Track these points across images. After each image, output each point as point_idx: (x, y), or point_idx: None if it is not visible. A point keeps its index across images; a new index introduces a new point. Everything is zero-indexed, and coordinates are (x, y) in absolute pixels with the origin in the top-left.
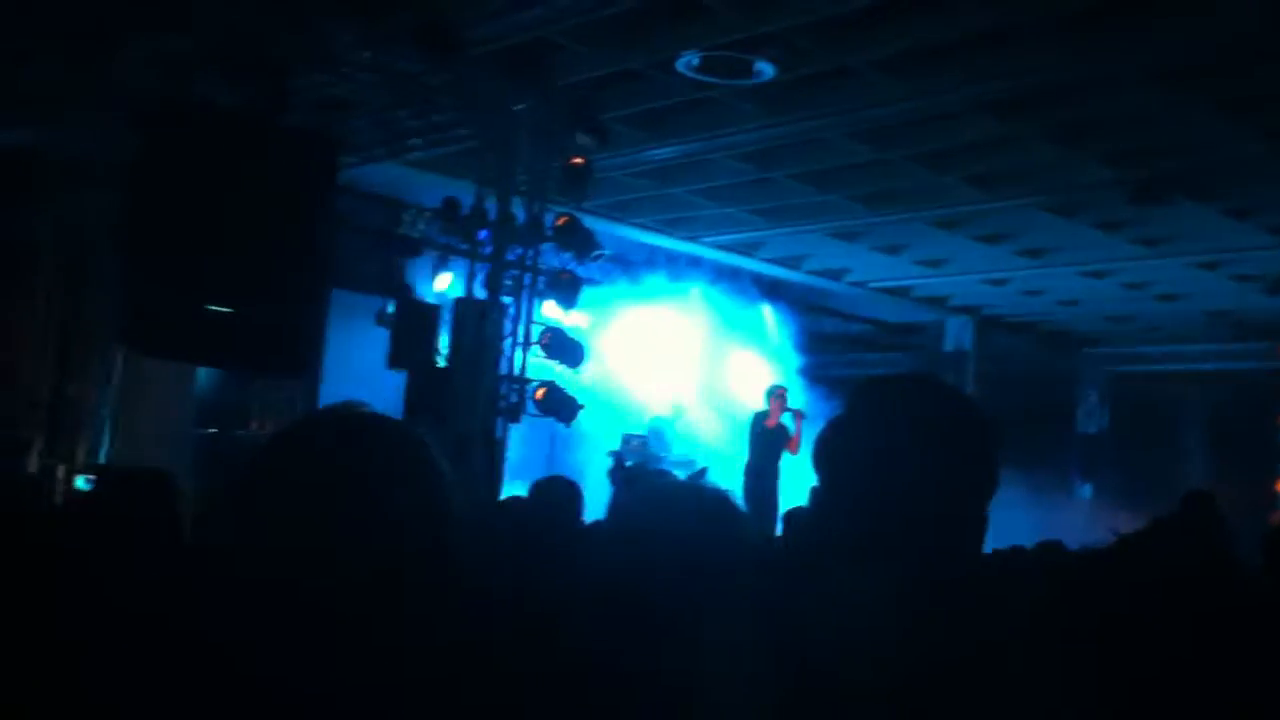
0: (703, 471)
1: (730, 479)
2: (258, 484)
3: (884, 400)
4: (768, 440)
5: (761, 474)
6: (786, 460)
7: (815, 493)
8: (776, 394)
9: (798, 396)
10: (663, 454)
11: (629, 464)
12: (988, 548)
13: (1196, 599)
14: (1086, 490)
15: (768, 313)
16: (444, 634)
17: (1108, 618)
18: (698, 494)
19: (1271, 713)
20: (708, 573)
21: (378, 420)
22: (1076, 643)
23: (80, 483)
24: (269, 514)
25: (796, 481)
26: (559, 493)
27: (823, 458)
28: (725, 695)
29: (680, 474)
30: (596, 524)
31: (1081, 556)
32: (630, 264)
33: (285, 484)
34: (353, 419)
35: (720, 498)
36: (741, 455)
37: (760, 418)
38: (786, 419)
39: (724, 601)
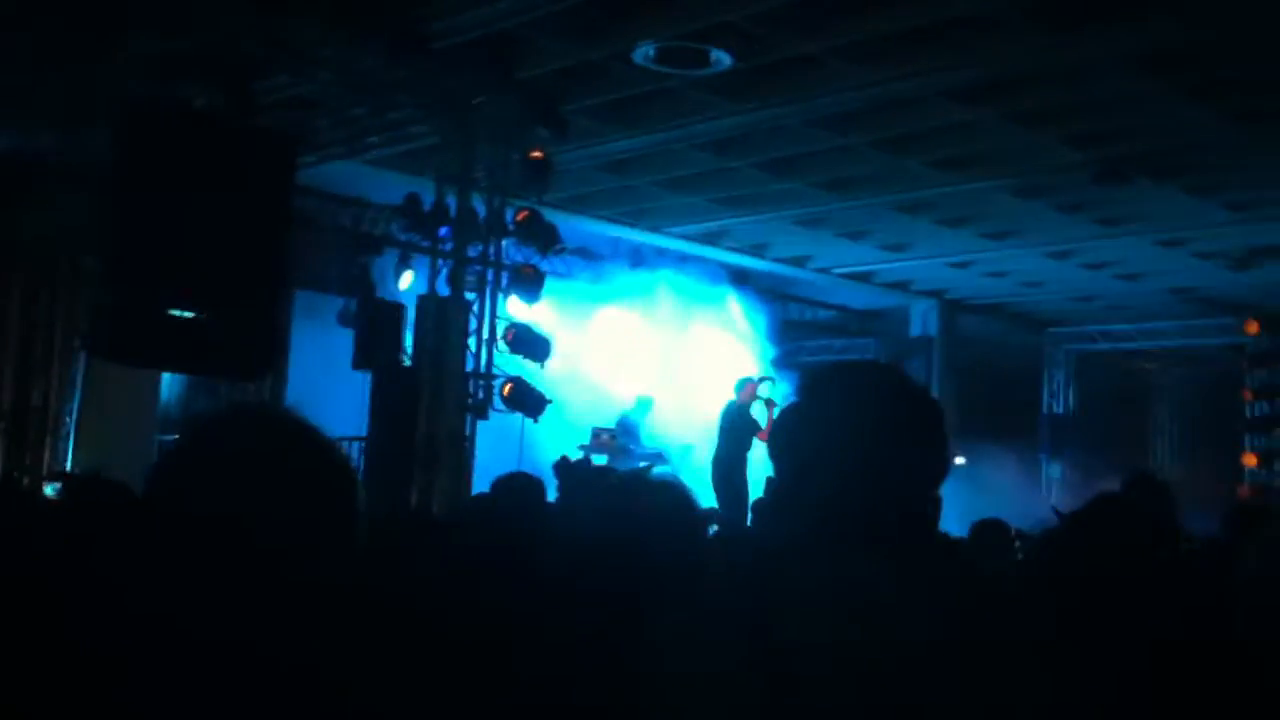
0: (657, 458)
1: (700, 469)
2: (163, 486)
3: (833, 389)
4: (738, 431)
5: (732, 465)
6: (758, 450)
7: (770, 483)
8: (747, 385)
9: (767, 386)
10: (632, 447)
11: (573, 460)
12: (954, 528)
13: (1133, 568)
14: (1055, 469)
15: (734, 301)
16: (348, 640)
17: (1062, 594)
18: (645, 486)
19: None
20: (658, 563)
21: (282, 419)
22: (1035, 622)
23: (49, 490)
24: (175, 513)
25: (767, 472)
26: (520, 490)
27: (778, 447)
28: (683, 688)
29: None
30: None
31: (1030, 535)
32: (594, 256)
33: (187, 487)
34: (258, 418)
35: (668, 488)
36: (711, 445)
37: (731, 409)
38: (758, 409)
39: (677, 591)
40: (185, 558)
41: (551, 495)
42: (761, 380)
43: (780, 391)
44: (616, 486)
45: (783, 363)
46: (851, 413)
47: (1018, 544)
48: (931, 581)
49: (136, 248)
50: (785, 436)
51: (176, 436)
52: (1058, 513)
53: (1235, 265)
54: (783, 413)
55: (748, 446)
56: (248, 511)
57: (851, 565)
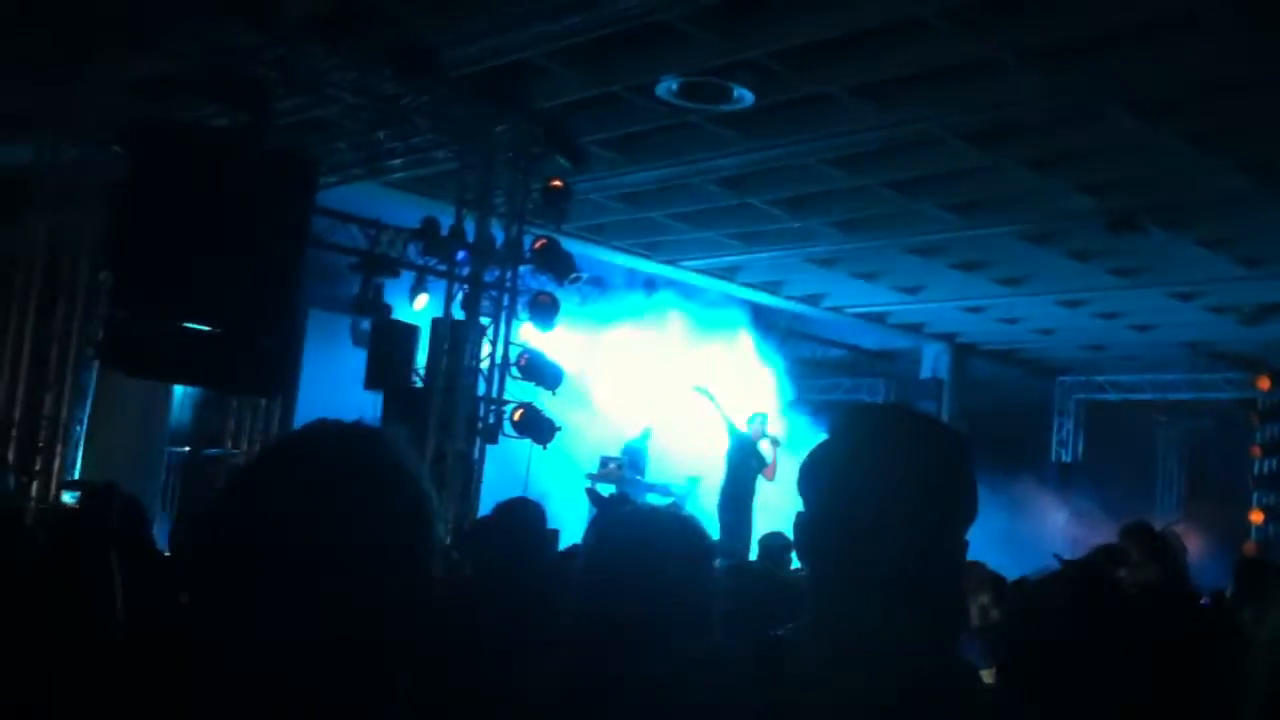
0: (664, 493)
1: (708, 501)
2: (244, 496)
3: (869, 429)
4: (746, 465)
5: (738, 500)
6: (761, 486)
7: (800, 518)
8: (758, 420)
9: (776, 421)
10: (637, 477)
11: (604, 492)
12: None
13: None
14: (1061, 517)
15: (746, 337)
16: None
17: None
18: (672, 525)
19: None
20: (681, 602)
21: (370, 434)
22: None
23: (67, 498)
24: (253, 527)
25: (769, 507)
26: (521, 514)
27: (808, 486)
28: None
29: (654, 499)
30: (572, 549)
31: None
32: (608, 286)
33: (272, 498)
34: (345, 433)
35: (693, 529)
36: (715, 477)
37: (740, 443)
38: (766, 447)
39: (697, 626)
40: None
41: (551, 522)
42: (764, 415)
43: (778, 427)
44: (637, 530)
45: (790, 400)
46: (884, 455)
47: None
48: (956, 628)
49: (153, 261)
50: (814, 475)
51: (254, 455)
52: (1059, 559)
53: (1247, 320)
54: (813, 451)
55: (754, 481)
56: (326, 535)
57: (871, 609)
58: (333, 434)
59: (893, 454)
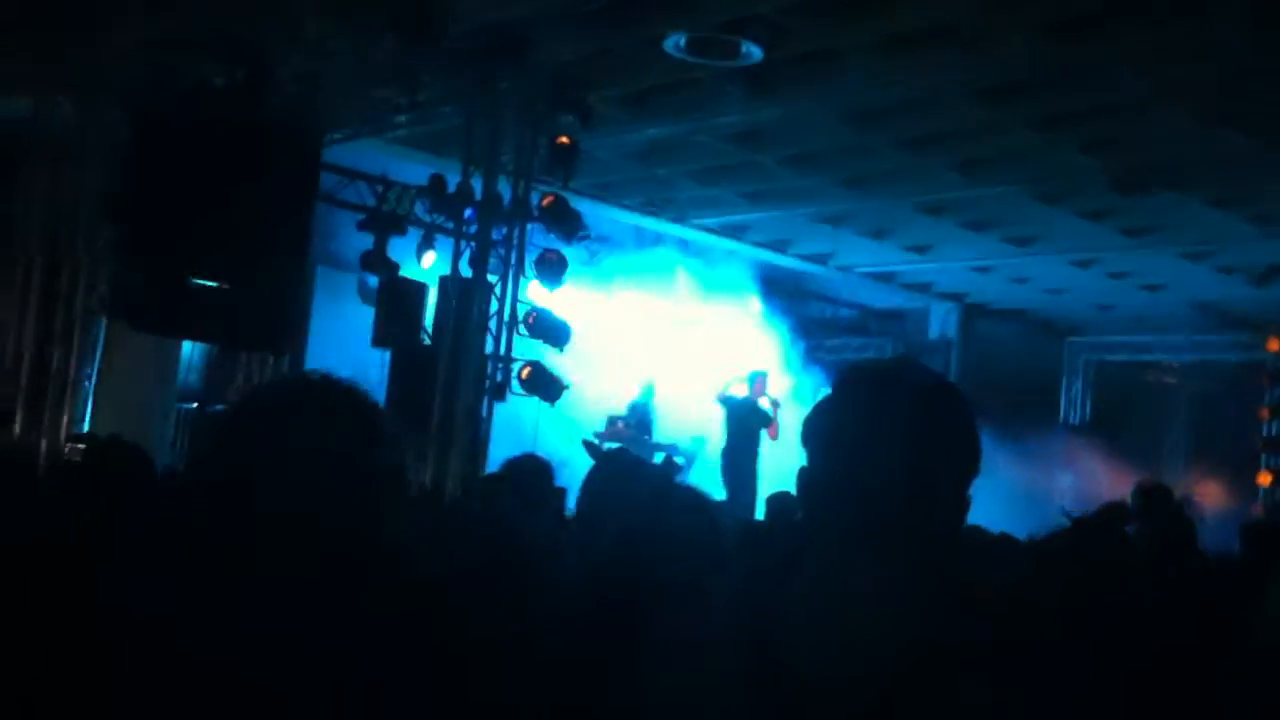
0: (671, 452)
1: (713, 461)
2: (224, 452)
3: (871, 385)
4: (747, 424)
5: (740, 457)
6: (765, 443)
7: (802, 473)
8: (758, 379)
9: (778, 381)
10: (644, 437)
11: (604, 447)
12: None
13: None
14: (1068, 479)
15: (754, 296)
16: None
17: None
18: (663, 483)
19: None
20: (683, 565)
21: (341, 387)
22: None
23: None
24: (234, 482)
25: (774, 463)
26: (529, 471)
27: (810, 441)
28: (699, 683)
29: (659, 457)
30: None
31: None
32: (616, 243)
33: (250, 451)
34: (316, 386)
35: (694, 498)
36: (720, 435)
37: (739, 402)
38: (766, 404)
39: (699, 593)
40: (230, 534)
41: (560, 480)
42: (765, 374)
43: (782, 385)
44: (641, 504)
45: (797, 359)
46: (887, 411)
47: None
48: (957, 587)
49: (161, 218)
50: (815, 430)
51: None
52: (1068, 516)
53: (1258, 280)
54: (816, 406)
55: (757, 439)
56: (293, 482)
57: (875, 567)
58: (308, 385)
59: (892, 409)
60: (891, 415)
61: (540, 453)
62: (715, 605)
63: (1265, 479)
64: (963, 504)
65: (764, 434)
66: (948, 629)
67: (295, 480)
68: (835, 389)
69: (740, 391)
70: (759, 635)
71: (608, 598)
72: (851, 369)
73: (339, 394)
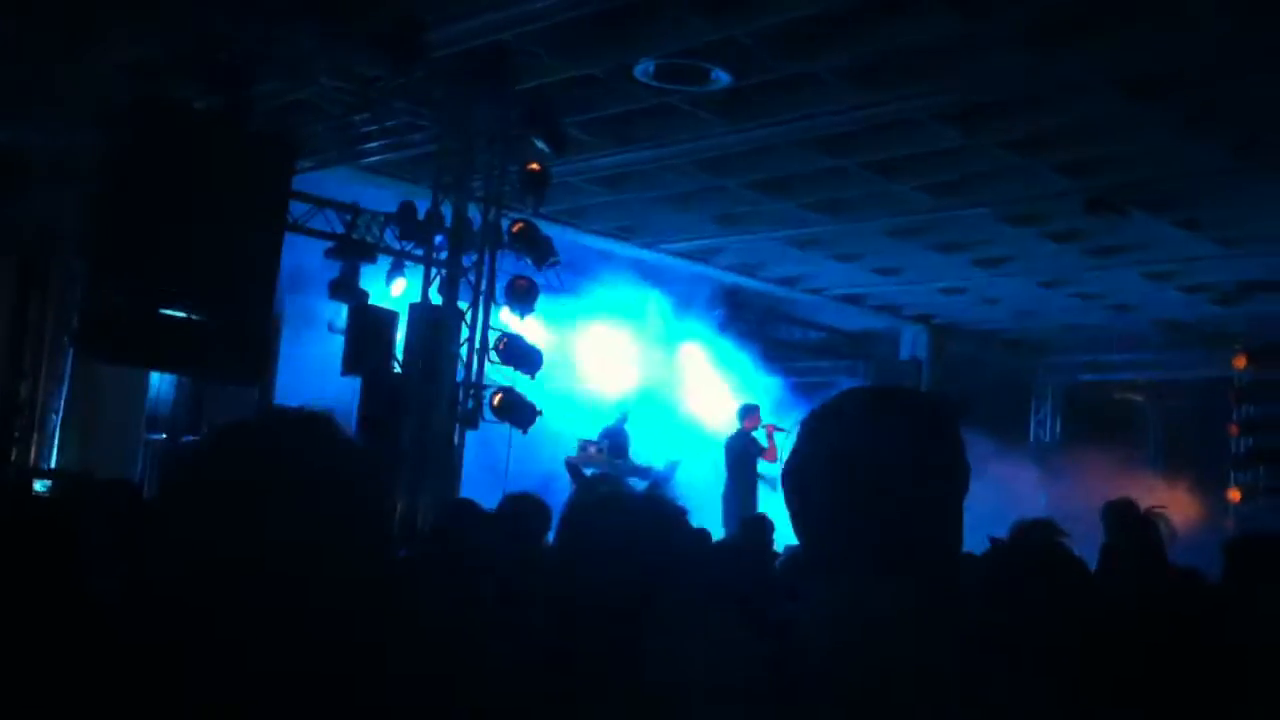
0: (666, 478)
1: (687, 484)
2: (195, 485)
3: (862, 403)
4: (745, 460)
5: (743, 497)
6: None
7: (795, 500)
8: (749, 413)
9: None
10: (619, 459)
11: (587, 472)
12: None
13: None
14: (1041, 498)
15: (723, 320)
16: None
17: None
18: (647, 509)
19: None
20: (658, 586)
21: (322, 422)
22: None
23: (39, 487)
24: (206, 517)
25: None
26: (528, 511)
27: (804, 468)
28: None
29: (638, 483)
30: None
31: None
32: (586, 269)
33: (223, 485)
34: (298, 419)
35: (670, 511)
36: (688, 458)
37: (734, 439)
38: (759, 435)
39: (676, 610)
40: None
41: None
42: (757, 406)
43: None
44: (625, 524)
45: (769, 383)
46: (878, 426)
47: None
48: (948, 605)
49: (129, 246)
50: (811, 458)
51: (195, 437)
52: (991, 538)
53: (1224, 299)
54: (804, 423)
55: (755, 473)
56: (270, 520)
57: (874, 588)
58: (287, 418)
59: (887, 425)
60: (884, 431)
61: (515, 479)
62: (718, 628)
63: (1235, 495)
64: (957, 519)
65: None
66: (962, 648)
67: (298, 510)
68: (825, 407)
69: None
70: (772, 658)
71: (598, 624)
72: (842, 392)
73: (326, 424)
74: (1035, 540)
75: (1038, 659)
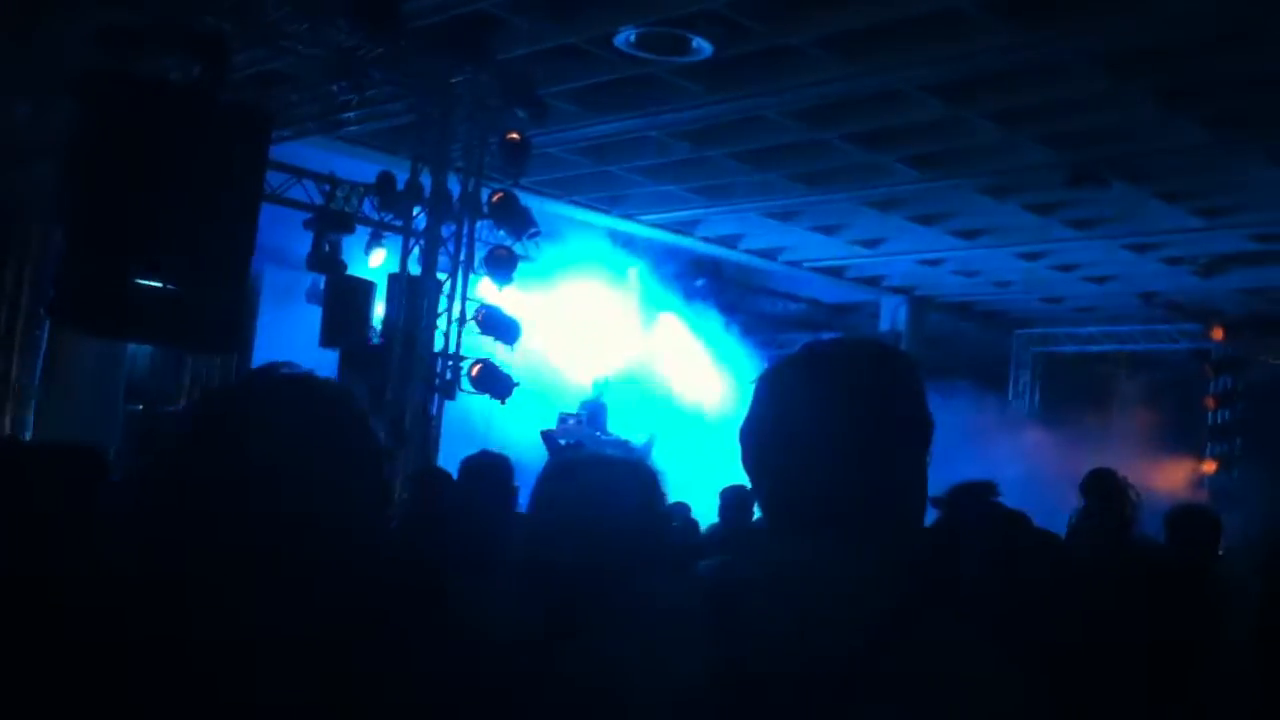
0: (644, 452)
1: (663, 459)
2: (189, 448)
3: (815, 354)
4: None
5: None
6: None
7: (749, 462)
8: None
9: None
10: (598, 432)
11: (563, 442)
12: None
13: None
14: (1017, 469)
15: (703, 291)
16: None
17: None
18: (622, 471)
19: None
20: (632, 549)
21: (317, 381)
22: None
23: None
24: (201, 479)
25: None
26: (489, 469)
27: (754, 428)
28: (651, 677)
29: (615, 453)
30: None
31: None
32: (566, 240)
33: (218, 447)
34: (292, 380)
35: (645, 474)
36: (666, 433)
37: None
38: None
39: (649, 577)
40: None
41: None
42: None
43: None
44: (594, 479)
45: (754, 355)
46: (830, 376)
47: None
48: (917, 560)
49: (104, 216)
50: (751, 425)
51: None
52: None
53: (1203, 271)
54: (758, 380)
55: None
56: (270, 480)
57: (831, 545)
58: (281, 380)
59: (839, 375)
60: (836, 380)
61: (492, 448)
62: (672, 595)
63: (1210, 466)
64: (922, 479)
65: None
66: (918, 614)
67: (293, 474)
68: (780, 371)
69: None
70: (720, 625)
71: (563, 589)
72: (802, 349)
73: (319, 384)
74: (970, 499)
75: (981, 618)
